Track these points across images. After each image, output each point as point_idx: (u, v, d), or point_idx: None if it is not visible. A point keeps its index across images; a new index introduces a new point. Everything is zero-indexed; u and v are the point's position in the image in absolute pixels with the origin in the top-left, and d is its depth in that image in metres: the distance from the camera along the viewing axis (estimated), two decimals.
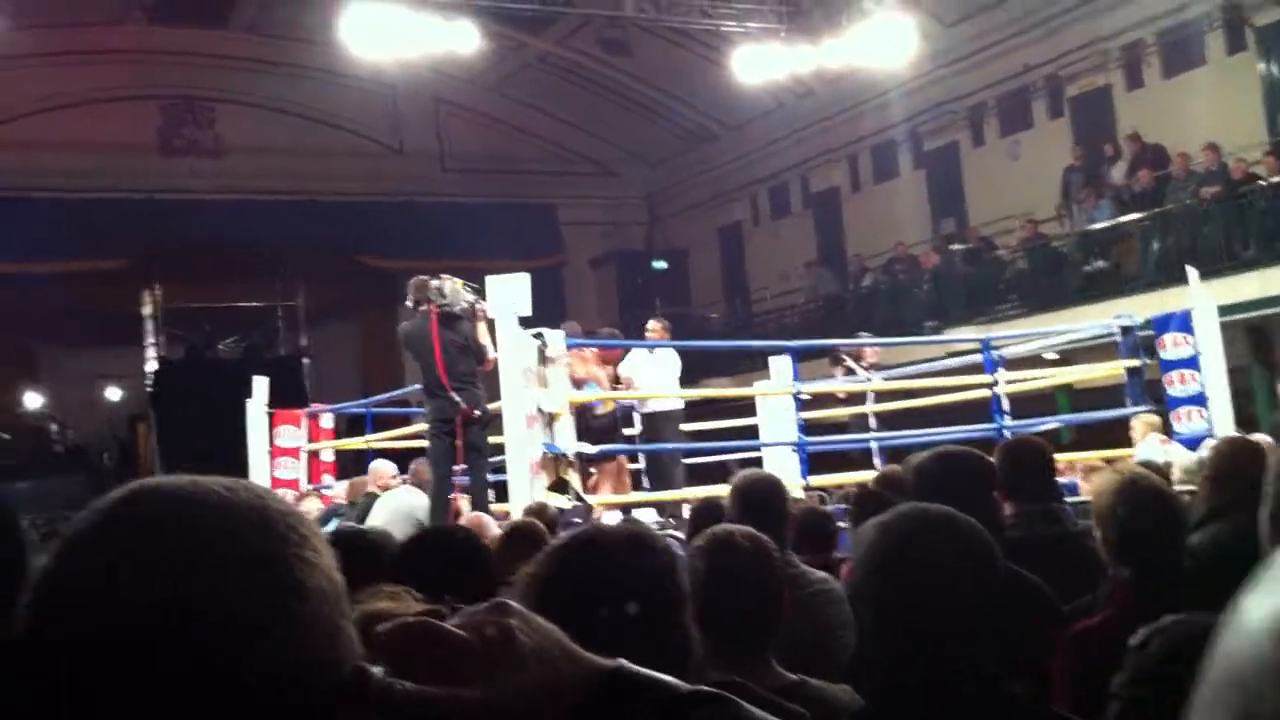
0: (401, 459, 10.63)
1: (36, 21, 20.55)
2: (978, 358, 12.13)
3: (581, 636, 0.87)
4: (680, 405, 11.46)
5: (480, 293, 9.25)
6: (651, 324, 11.93)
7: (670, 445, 11.12)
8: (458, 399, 8.86)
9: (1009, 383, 11.49)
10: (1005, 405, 11.17)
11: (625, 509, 10.06)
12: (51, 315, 23.61)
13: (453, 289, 9.07)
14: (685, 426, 12.76)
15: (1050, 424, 12.88)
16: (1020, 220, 18.85)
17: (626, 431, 11.33)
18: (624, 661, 0.86)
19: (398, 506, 9.19)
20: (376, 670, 0.79)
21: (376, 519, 8.81)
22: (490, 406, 9.19)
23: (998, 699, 1.83)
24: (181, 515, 0.80)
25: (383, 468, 10.37)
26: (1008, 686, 1.86)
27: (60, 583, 0.79)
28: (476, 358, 9.06)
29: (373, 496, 9.88)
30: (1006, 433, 10.73)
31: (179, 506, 0.80)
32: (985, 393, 11.38)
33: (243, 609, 0.77)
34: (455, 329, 8.98)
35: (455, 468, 9.18)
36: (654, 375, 11.04)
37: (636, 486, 11.17)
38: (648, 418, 11.21)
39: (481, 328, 9.17)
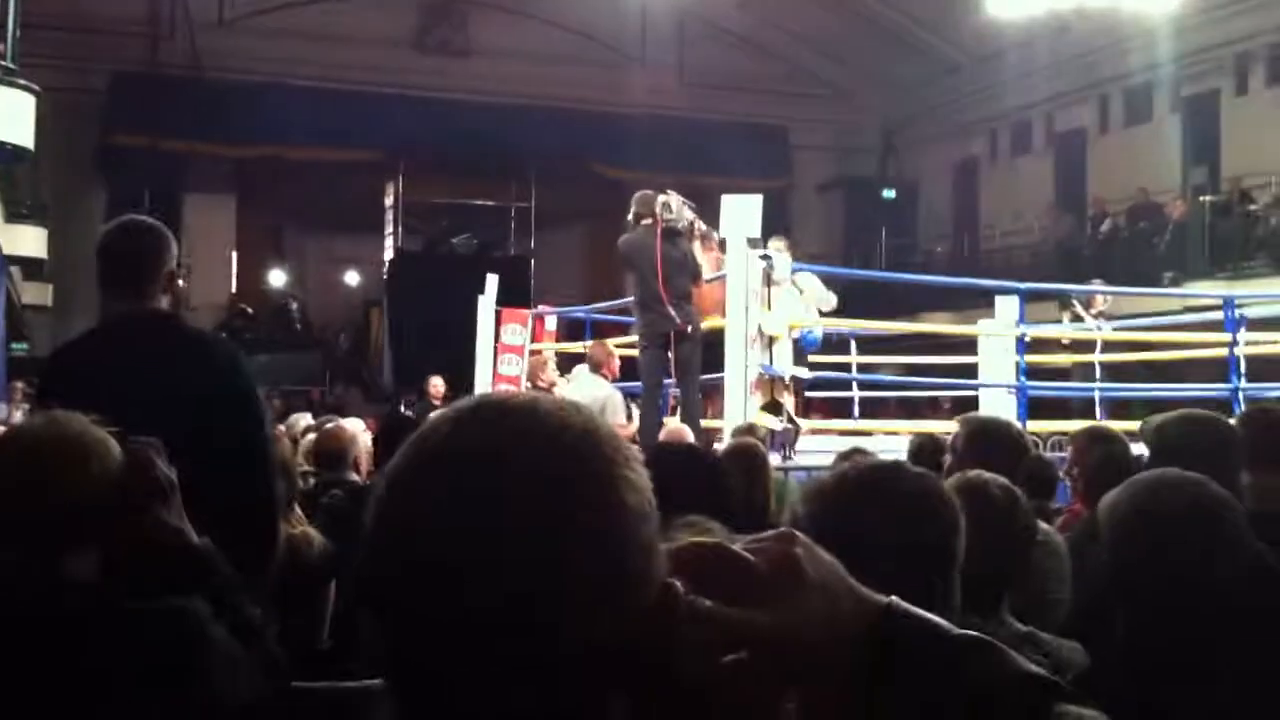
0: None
1: None
2: (1215, 315, 11.66)
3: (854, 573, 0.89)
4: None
5: (698, 212, 9.24)
6: (774, 243, 10.23)
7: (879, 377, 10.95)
8: (674, 314, 8.78)
9: (1249, 344, 11.01)
10: (1243, 367, 10.74)
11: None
12: (300, 199, 24.65)
13: (677, 204, 9.02)
14: (901, 360, 12.64)
15: None
16: (1278, 176, 17.86)
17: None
18: (895, 599, 0.88)
19: (589, 399, 9.08)
20: (679, 585, 0.83)
21: None
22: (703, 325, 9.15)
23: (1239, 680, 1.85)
24: (525, 431, 0.85)
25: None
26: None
27: (411, 484, 0.85)
28: (693, 275, 9.04)
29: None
30: (1241, 395, 10.34)
31: (524, 423, 0.85)
32: (1220, 351, 10.95)
33: (571, 524, 0.82)
34: (677, 245, 8.92)
35: (666, 380, 9.25)
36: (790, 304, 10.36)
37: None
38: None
39: (696, 246, 9.19)
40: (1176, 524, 1.91)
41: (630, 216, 9.16)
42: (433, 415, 0.91)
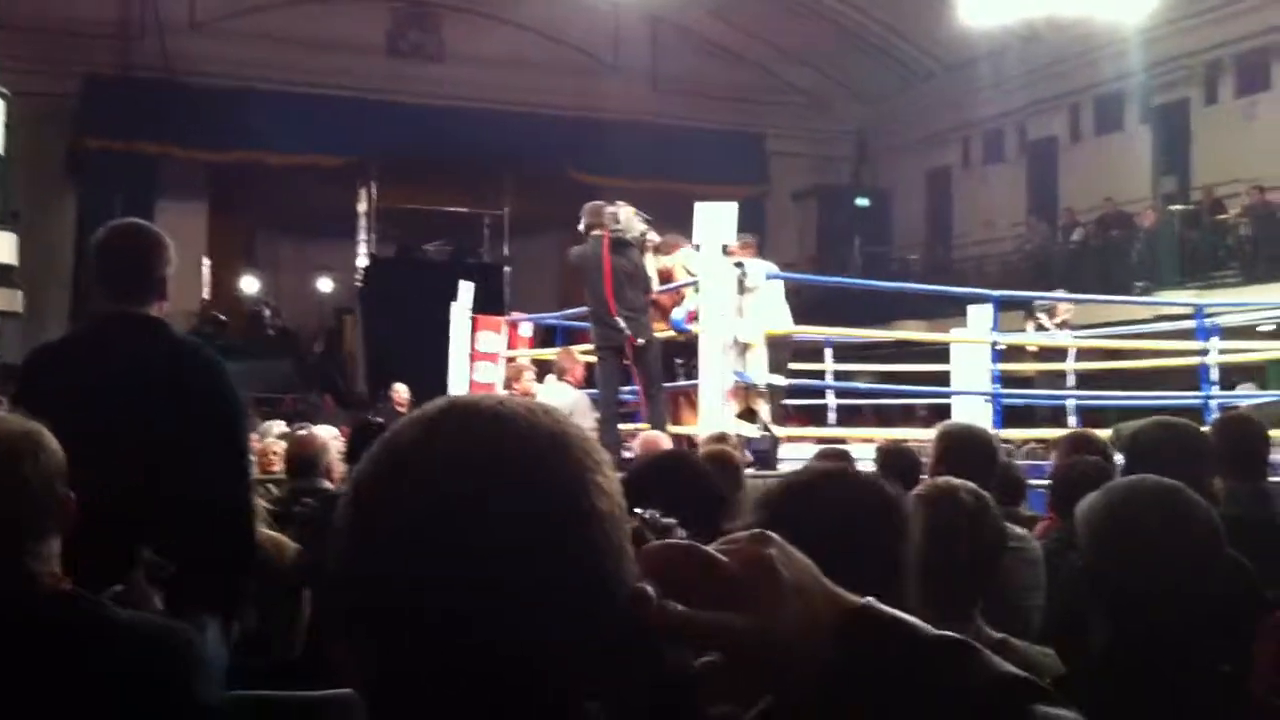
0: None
1: None
2: (1186, 324, 11.75)
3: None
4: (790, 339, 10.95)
5: (651, 224, 9.22)
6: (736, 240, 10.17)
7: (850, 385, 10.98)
8: (623, 326, 8.84)
9: (1221, 352, 11.10)
10: (1214, 375, 10.82)
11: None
12: (273, 204, 24.57)
13: (627, 216, 9.02)
14: (873, 368, 12.68)
15: (1262, 398, 12.40)
16: (1247, 186, 18.00)
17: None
18: (872, 600, 0.86)
19: (556, 405, 9.21)
20: (651, 589, 0.82)
21: None
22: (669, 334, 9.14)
23: (1213, 683, 1.86)
24: (491, 436, 0.84)
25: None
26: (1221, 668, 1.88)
27: (379, 490, 0.84)
28: (644, 288, 9.03)
29: None
30: (1213, 403, 10.41)
31: (493, 427, 0.85)
32: (1191, 360, 11.03)
33: (542, 530, 0.82)
34: (626, 256, 8.93)
35: (623, 389, 9.26)
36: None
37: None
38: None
39: (649, 258, 9.17)
40: (1151, 531, 1.92)
41: (581, 227, 9.18)
42: (402, 417, 0.90)
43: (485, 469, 0.82)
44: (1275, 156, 18.00)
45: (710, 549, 0.85)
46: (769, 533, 0.87)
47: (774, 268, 10.70)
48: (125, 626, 1.90)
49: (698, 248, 9.37)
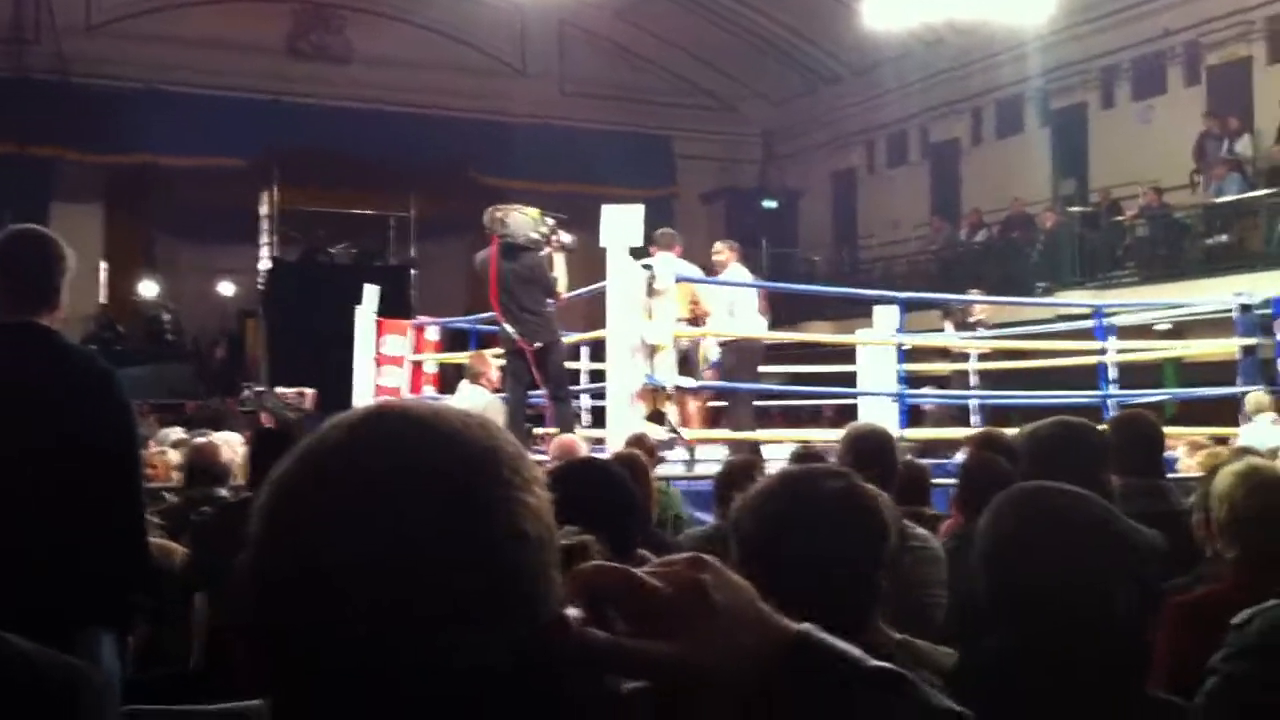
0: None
1: None
2: (1086, 323, 11.98)
3: (773, 588, 0.87)
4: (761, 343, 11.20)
5: (562, 224, 9.23)
6: (718, 245, 11.02)
7: (756, 386, 11.03)
8: (511, 330, 8.90)
9: (1119, 352, 11.33)
10: (1113, 374, 11.04)
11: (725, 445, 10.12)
12: (172, 207, 24.12)
13: (517, 220, 9.00)
14: (782, 369, 12.76)
15: (1157, 397, 12.69)
16: (1144, 187, 18.41)
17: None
18: (810, 627, 0.84)
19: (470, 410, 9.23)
20: (574, 614, 0.80)
21: None
22: (590, 335, 9.16)
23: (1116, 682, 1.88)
24: (417, 447, 0.82)
25: None
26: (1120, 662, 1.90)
27: (295, 492, 0.82)
28: (544, 290, 9.02)
29: None
30: (1111, 402, 10.62)
31: (419, 438, 0.82)
32: (1092, 359, 11.24)
33: (459, 548, 0.79)
34: (517, 260, 8.93)
35: (530, 392, 9.27)
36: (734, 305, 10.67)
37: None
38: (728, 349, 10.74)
39: (559, 260, 9.15)
40: (1053, 540, 1.94)
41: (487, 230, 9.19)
42: (329, 420, 0.86)
43: (406, 481, 0.80)
44: (1171, 159, 18.45)
45: (642, 572, 0.82)
46: (705, 556, 0.85)
47: (697, 270, 10.80)
48: (15, 657, 1.82)
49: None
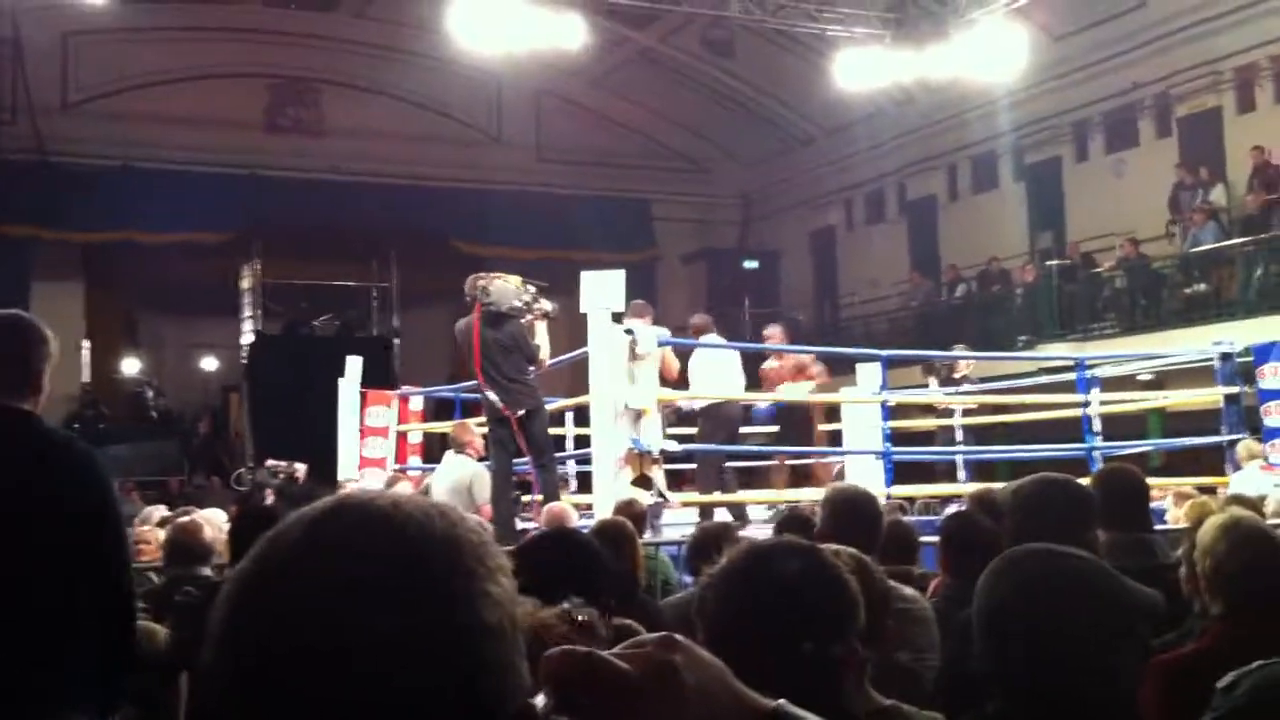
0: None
1: None
2: (1069, 375, 12.01)
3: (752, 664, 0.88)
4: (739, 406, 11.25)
5: (544, 291, 9.25)
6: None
7: (731, 447, 11.05)
8: (493, 398, 8.89)
9: (1102, 403, 11.35)
10: (1097, 426, 11.05)
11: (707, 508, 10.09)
12: (153, 283, 24.09)
13: (500, 288, 9.03)
14: (770, 429, 12.75)
15: (1142, 447, 12.70)
16: (1120, 239, 18.54)
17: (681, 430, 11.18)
18: (784, 703, 0.84)
19: (455, 481, 9.23)
20: (540, 702, 0.80)
21: (439, 493, 8.78)
22: (574, 401, 9.13)
23: None
24: (377, 542, 0.81)
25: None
26: None
27: (255, 589, 0.81)
28: (526, 358, 9.02)
29: None
30: (1097, 454, 10.63)
31: (381, 531, 0.82)
32: (1075, 412, 11.25)
33: (418, 643, 0.78)
34: (500, 328, 8.95)
35: (515, 460, 9.22)
36: (718, 373, 10.80)
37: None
38: (705, 415, 10.84)
39: (540, 328, 9.17)
40: (1050, 606, 1.94)
41: (467, 299, 9.19)
42: (291, 514, 0.86)
43: (365, 577, 0.80)
44: (1146, 210, 18.58)
45: (611, 655, 0.82)
46: (676, 636, 0.85)
47: (665, 333, 10.79)
48: None
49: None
